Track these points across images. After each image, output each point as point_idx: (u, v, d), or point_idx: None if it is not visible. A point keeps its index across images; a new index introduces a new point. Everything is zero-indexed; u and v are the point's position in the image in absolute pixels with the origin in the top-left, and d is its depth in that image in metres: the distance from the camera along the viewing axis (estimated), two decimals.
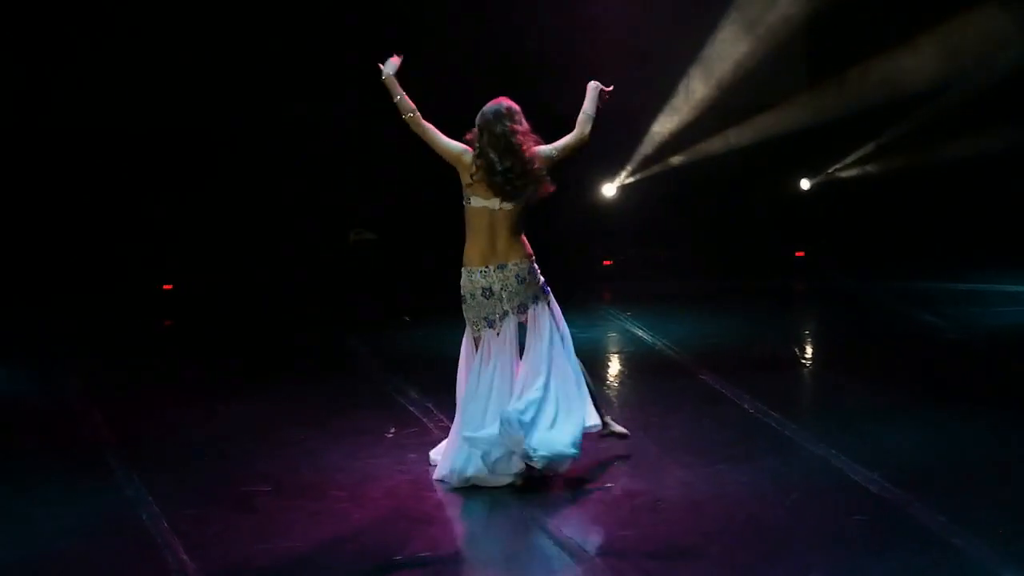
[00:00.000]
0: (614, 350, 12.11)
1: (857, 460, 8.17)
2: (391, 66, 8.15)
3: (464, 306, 8.19)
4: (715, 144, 16.03)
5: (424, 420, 9.38)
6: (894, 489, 7.66)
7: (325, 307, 13.93)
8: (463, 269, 8.19)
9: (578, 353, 8.43)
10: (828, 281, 15.39)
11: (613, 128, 15.92)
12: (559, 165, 8.22)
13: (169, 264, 14.62)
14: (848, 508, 7.46)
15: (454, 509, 7.82)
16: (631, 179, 16.07)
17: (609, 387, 10.64)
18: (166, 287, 14.50)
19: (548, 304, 8.31)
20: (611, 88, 8.37)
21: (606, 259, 16.02)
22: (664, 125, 15.92)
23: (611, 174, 16.07)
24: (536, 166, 8.06)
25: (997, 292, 14.02)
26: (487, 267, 8.11)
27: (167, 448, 8.87)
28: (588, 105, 8.35)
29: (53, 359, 11.59)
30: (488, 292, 8.12)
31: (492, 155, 8.00)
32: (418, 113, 8.10)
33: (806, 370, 11.38)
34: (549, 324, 8.27)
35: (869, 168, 16.49)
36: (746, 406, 9.60)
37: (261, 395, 10.32)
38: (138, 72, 14.44)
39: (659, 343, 11.91)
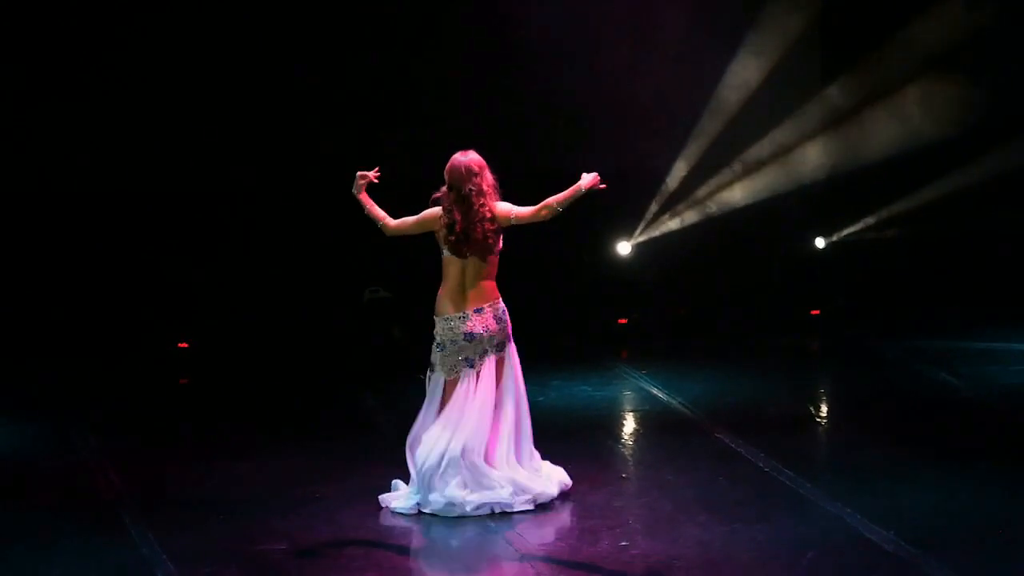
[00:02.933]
0: (630, 408, 12.11)
1: (872, 519, 8.16)
2: (357, 187, 8.76)
3: (441, 353, 8.58)
4: (730, 203, 16.07)
5: None
6: (909, 548, 7.64)
7: (340, 365, 13.97)
8: (437, 318, 8.60)
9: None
10: (843, 340, 15.39)
11: (628, 186, 16.18)
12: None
13: (185, 323, 14.67)
14: (864, 567, 7.44)
15: (471, 568, 7.81)
16: (646, 237, 16.12)
17: (624, 445, 10.64)
18: (182, 345, 14.54)
19: (510, 352, 8.72)
20: (604, 186, 8.57)
21: (621, 317, 16.04)
22: (679, 183, 15.98)
23: (626, 232, 16.12)
24: (485, 228, 8.48)
25: (1012, 351, 14.01)
26: (464, 312, 8.54)
27: (183, 506, 8.88)
28: (561, 197, 8.55)
29: (70, 417, 11.62)
30: (471, 336, 8.52)
31: (455, 214, 8.49)
32: (387, 218, 8.71)
33: (821, 428, 11.37)
34: (508, 372, 8.68)
35: (884, 226, 16.53)
36: (761, 464, 9.59)
37: (276, 453, 10.33)
38: (153, 132, 14.55)
39: (674, 401, 11.91)
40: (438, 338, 8.61)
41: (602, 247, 16.10)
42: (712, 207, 16.02)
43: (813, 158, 16.09)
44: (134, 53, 14.44)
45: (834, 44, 16.04)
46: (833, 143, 16.03)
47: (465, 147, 8.73)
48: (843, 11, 15.88)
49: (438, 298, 8.64)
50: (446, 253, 8.59)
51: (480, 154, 8.67)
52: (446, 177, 8.59)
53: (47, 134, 14.33)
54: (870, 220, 16.51)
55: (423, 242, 15.57)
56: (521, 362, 8.81)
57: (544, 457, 9.02)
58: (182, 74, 14.56)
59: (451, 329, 8.56)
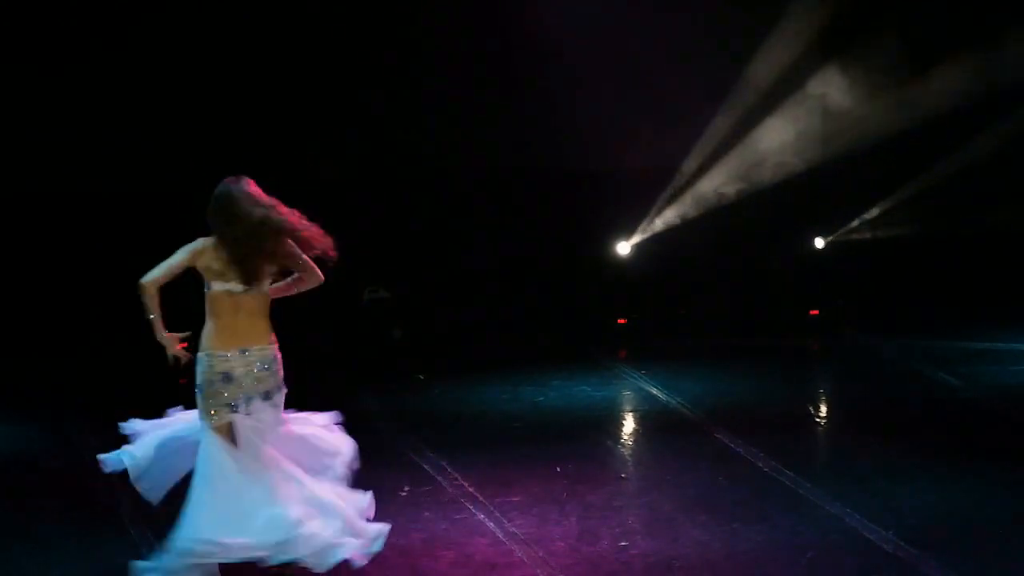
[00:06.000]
0: (629, 408, 12.12)
1: (871, 519, 8.16)
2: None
3: (200, 396, 7.67)
4: (730, 203, 16.08)
5: (438, 478, 9.39)
6: (908, 548, 7.65)
7: (339, 365, 13.96)
8: (201, 354, 7.72)
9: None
10: (842, 340, 15.39)
11: (628, 187, 16.18)
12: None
13: (185, 323, 14.65)
14: (863, 567, 7.45)
15: (468, 568, 7.82)
16: (646, 237, 16.12)
17: (624, 445, 10.65)
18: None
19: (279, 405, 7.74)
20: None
21: (621, 318, 16.04)
22: (679, 185, 15.98)
23: (626, 233, 16.12)
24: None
25: (1011, 351, 14.02)
26: (227, 352, 7.68)
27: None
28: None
29: (70, 417, 11.62)
30: (228, 377, 7.64)
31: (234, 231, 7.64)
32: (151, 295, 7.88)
33: (820, 428, 11.37)
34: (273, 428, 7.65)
35: (883, 227, 16.54)
36: (761, 464, 9.60)
37: None
38: (153, 133, 14.57)
39: (674, 401, 11.92)
40: (198, 379, 7.69)
41: (602, 247, 16.10)
42: (714, 201, 16.03)
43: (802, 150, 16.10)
44: (133, 55, 14.47)
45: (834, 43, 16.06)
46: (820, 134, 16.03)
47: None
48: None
49: (205, 334, 7.80)
50: (215, 288, 7.76)
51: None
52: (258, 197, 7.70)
53: (47, 134, 14.36)
54: (874, 211, 16.52)
55: (422, 244, 15.61)
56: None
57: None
58: (182, 75, 14.59)
59: (211, 368, 7.67)
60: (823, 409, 12.20)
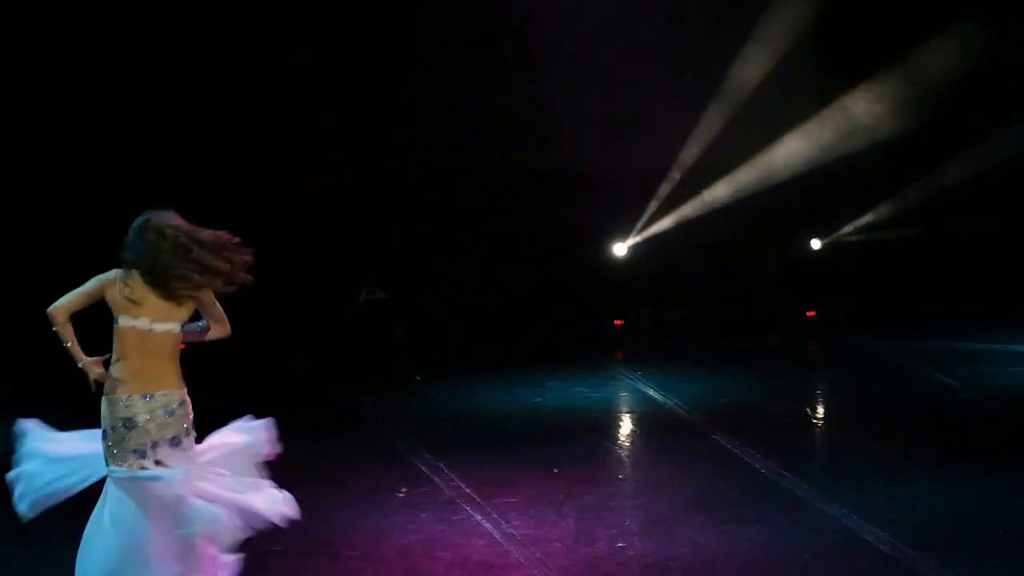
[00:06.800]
0: (626, 409, 12.12)
1: (869, 519, 8.16)
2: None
3: (104, 441, 7.13)
4: (726, 204, 16.09)
5: (436, 480, 9.39)
6: (905, 548, 7.64)
7: (338, 366, 13.97)
8: (104, 398, 7.19)
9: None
10: (840, 340, 15.40)
11: (626, 189, 16.20)
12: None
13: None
14: (860, 568, 7.44)
15: (465, 569, 7.82)
16: (642, 239, 16.13)
17: (621, 447, 10.65)
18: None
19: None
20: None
21: (618, 319, 16.05)
22: (676, 186, 15.99)
23: (623, 234, 16.13)
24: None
25: (1008, 352, 14.02)
26: (129, 397, 7.18)
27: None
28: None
29: (69, 417, 11.60)
30: (130, 423, 7.12)
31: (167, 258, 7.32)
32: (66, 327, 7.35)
33: (818, 429, 11.37)
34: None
35: (880, 228, 16.56)
36: (758, 465, 9.60)
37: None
38: (153, 133, 14.58)
39: (671, 402, 11.92)
40: (103, 424, 7.14)
41: (599, 248, 16.11)
42: (710, 205, 16.04)
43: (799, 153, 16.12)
44: (134, 55, 14.49)
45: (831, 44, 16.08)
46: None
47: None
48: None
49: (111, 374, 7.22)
50: (122, 322, 7.26)
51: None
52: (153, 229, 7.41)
53: (47, 134, 14.37)
54: (872, 212, 16.54)
55: (419, 245, 15.61)
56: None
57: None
58: (182, 77, 14.60)
59: (112, 413, 7.15)
60: (821, 410, 12.20)
